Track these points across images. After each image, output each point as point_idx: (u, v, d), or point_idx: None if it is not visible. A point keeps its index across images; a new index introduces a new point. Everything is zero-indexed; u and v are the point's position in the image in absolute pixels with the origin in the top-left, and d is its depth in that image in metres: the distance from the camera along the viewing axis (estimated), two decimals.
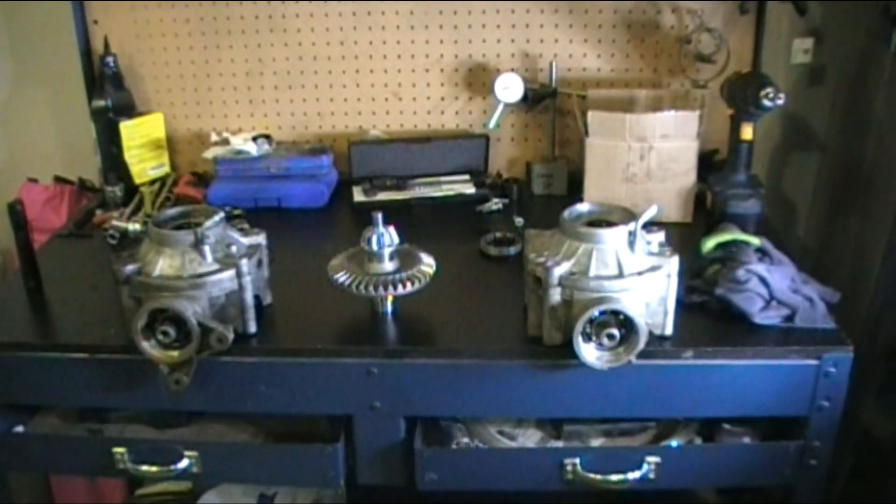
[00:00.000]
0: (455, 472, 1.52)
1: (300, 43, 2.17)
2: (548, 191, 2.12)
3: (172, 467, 1.54)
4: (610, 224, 1.41)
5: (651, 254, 1.41)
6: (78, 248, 1.92)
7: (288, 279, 1.65)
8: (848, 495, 1.93)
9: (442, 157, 2.15)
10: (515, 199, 2.05)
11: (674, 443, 1.53)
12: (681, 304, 1.45)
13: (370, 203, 2.03)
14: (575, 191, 1.99)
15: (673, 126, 1.85)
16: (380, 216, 1.47)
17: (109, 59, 2.12)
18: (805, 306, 1.47)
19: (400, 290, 1.45)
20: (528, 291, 1.45)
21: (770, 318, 1.46)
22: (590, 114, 1.90)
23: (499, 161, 2.23)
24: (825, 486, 1.53)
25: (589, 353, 1.37)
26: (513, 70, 2.10)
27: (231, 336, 1.40)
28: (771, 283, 1.47)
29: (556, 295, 1.37)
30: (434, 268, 1.50)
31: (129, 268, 1.41)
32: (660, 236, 1.44)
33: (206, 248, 1.42)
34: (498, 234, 1.83)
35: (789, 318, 1.46)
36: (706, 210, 1.89)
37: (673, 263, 1.39)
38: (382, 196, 2.07)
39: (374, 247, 1.47)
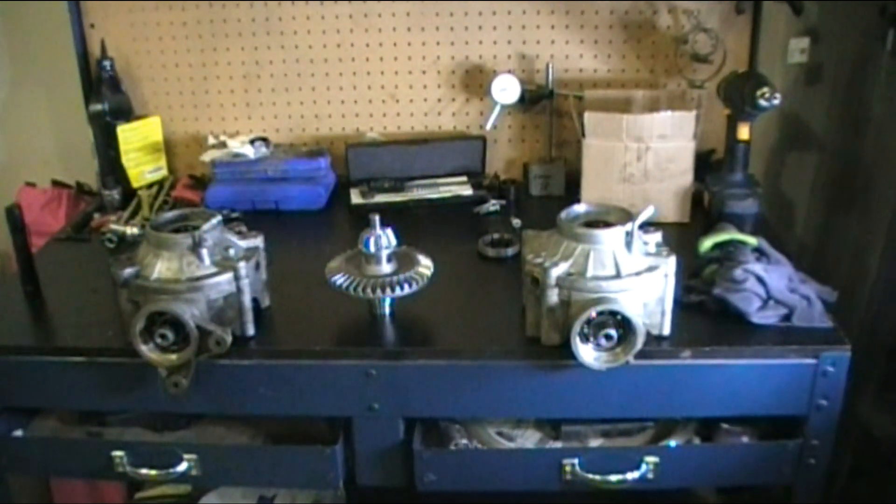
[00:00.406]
0: (454, 472, 1.52)
1: (297, 45, 2.17)
2: (545, 192, 2.12)
3: (171, 470, 1.54)
4: (607, 225, 1.42)
5: (648, 254, 1.41)
6: (76, 251, 1.92)
7: (286, 281, 1.65)
8: (847, 494, 1.93)
9: (439, 158, 2.15)
10: (513, 201, 2.05)
11: (672, 443, 1.54)
12: (678, 304, 1.45)
13: (368, 205, 2.03)
14: (572, 192, 1.99)
15: (670, 126, 1.86)
16: (377, 218, 1.47)
17: (106, 63, 2.12)
18: (803, 305, 1.47)
19: (398, 291, 1.45)
20: (525, 292, 1.45)
21: (768, 317, 1.47)
22: (587, 115, 1.90)
23: (496, 162, 2.23)
24: (824, 486, 1.53)
25: (587, 353, 1.37)
26: (510, 71, 2.10)
27: (229, 339, 1.40)
28: (768, 283, 1.47)
29: (553, 296, 1.37)
30: (432, 269, 1.50)
31: (128, 271, 1.41)
32: (657, 236, 1.44)
33: (204, 251, 1.42)
34: (495, 236, 1.84)
35: (787, 318, 1.47)
36: (703, 210, 1.89)
37: (670, 263, 1.39)
38: (380, 198, 2.07)
39: (372, 249, 1.47)
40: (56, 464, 1.61)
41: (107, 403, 1.57)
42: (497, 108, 2.09)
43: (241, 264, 1.43)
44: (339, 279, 1.47)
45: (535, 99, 2.11)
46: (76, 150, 2.31)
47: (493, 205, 2.02)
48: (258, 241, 1.53)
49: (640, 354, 1.37)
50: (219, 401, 1.51)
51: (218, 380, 1.48)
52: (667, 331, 1.43)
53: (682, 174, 1.88)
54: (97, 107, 2.11)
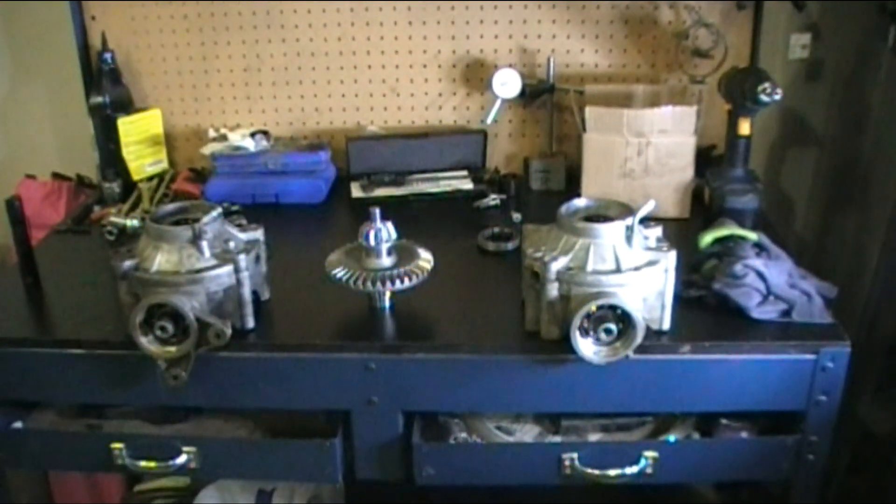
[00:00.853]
0: (453, 467, 1.52)
1: (298, 39, 2.16)
2: (545, 186, 2.12)
3: (171, 463, 1.55)
4: (607, 219, 1.41)
5: (648, 249, 1.41)
6: (76, 244, 1.92)
7: (286, 275, 1.65)
8: (845, 490, 1.93)
9: (440, 152, 2.15)
10: (513, 195, 2.05)
11: (671, 437, 1.54)
12: (678, 299, 1.45)
13: (368, 199, 2.03)
14: (573, 186, 1.99)
15: (671, 121, 1.85)
16: (377, 211, 1.47)
17: (107, 56, 2.12)
18: (802, 301, 1.47)
19: (398, 285, 1.45)
20: (525, 286, 1.45)
21: (767, 312, 1.47)
22: (587, 109, 1.90)
23: (496, 157, 2.23)
24: (822, 481, 1.53)
25: (586, 347, 1.37)
26: (510, 66, 2.10)
27: (229, 331, 1.41)
28: (768, 278, 1.47)
29: (553, 290, 1.37)
30: (432, 263, 1.50)
31: (127, 263, 1.41)
32: (657, 231, 1.44)
33: (204, 244, 1.42)
34: (496, 230, 1.84)
35: (786, 313, 1.47)
36: (704, 205, 1.89)
37: (670, 258, 1.39)
38: (380, 192, 2.07)
39: (372, 242, 1.47)
40: (55, 456, 1.61)
41: (106, 396, 1.56)
42: (498, 103, 2.09)
43: (241, 257, 1.43)
44: (339, 272, 1.47)
45: (536, 93, 2.11)
46: (76, 142, 2.31)
47: (493, 199, 2.02)
48: (258, 234, 1.53)
49: (640, 349, 1.37)
50: (218, 394, 1.51)
51: (217, 373, 1.48)
52: (666, 325, 1.43)
53: (683, 169, 1.88)
54: (98, 99, 2.11)
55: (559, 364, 1.43)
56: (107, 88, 2.11)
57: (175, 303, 1.37)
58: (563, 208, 1.45)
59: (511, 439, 1.58)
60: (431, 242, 1.57)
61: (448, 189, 2.09)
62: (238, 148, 2.07)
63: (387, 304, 1.54)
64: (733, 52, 2.04)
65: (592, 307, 1.34)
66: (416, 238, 1.57)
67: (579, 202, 1.48)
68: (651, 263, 1.38)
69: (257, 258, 1.52)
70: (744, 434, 1.52)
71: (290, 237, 1.87)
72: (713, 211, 1.80)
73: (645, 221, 1.41)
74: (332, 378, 1.48)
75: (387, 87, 2.20)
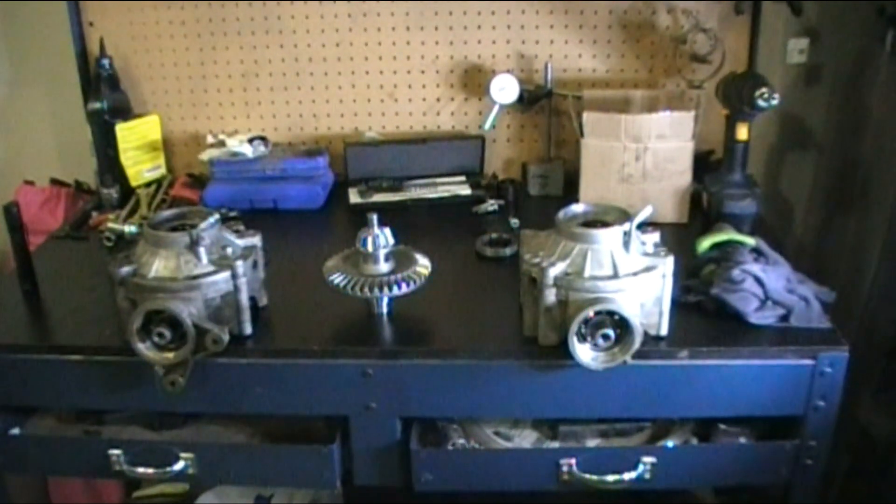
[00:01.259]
0: (451, 472, 1.52)
1: (296, 44, 2.17)
2: (544, 192, 2.12)
3: (169, 469, 1.54)
4: (605, 224, 1.42)
5: (646, 254, 1.41)
6: (74, 250, 1.92)
7: (284, 280, 1.65)
8: (844, 495, 1.93)
9: (438, 158, 2.15)
10: (511, 200, 2.05)
11: (670, 443, 1.53)
12: (676, 305, 1.45)
13: (366, 204, 2.03)
14: (571, 191, 1.99)
15: (668, 126, 1.86)
16: (375, 217, 1.47)
17: (105, 61, 2.12)
18: (801, 306, 1.47)
19: (395, 290, 1.45)
20: (523, 292, 1.45)
21: (765, 317, 1.47)
22: (585, 114, 1.90)
23: (495, 162, 2.23)
24: (821, 486, 1.53)
25: (584, 353, 1.37)
26: (508, 71, 2.10)
27: (227, 337, 1.40)
28: (766, 283, 1.47)
29: (551, 295, 1.37)
30: (430, 269, 1.50)
31: (125, 269, 1.41)
32: (655, 237, 1.44)
33: (202, 250, 1.42)
34: (494, 235, 1.84)
35: (785, 318, 1.47)
36: (702, 210, 1.89)
37: (668, 263, 1.39)
38: (378, 197, 2.07)
39: (370, 248, 1.47)
40: (53, 462, 1.61)
41: (104, 402, 1.56)
42: (496, 108, 2.09)
43: (239, 263, 1.43)
44: (337, 278, 1.47)
45: (534, 99, 2.11)
46: (75, 148, 2.31)
47: (491, 204, 2.02)
48: (256, 240, 1.53)
49: (638, 354, 1.37)
50: (216, 399, 1.51)
51: (215, 378, 1.47)
52: (664, 331, 1.43)
53: (681, 174, 1.88)
54: (96, 105, 2.11)
55: (557, 370, 1.43)
56: (105, 94, 2.11)
57: (173, 309, 1.37)
58: (561, 213, 1.45)
59: (509, 445, 1.58)
60: (429, 248, 1.57)
61: (446, 194, 2.09)
62: (236, 154, 2.07)
63: (385, 309, 1.54)
64: (731, 56, 2.04)
65: (590, 313, 1.34)
66: (414, 244, 1.57)
67: (577, 207, 1.48)
68: (649, 269, 1.38)
69: (255, 264, 1.52)
70: (742, 439, 1.52)
71: (287, 243, 1.87)
72: (711, 216, 1.81)
73: (643, 227, 1.41)
74: (330, 384, 1.48)
75: (385, 92, 2.20)
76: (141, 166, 2.18)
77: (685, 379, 1.44)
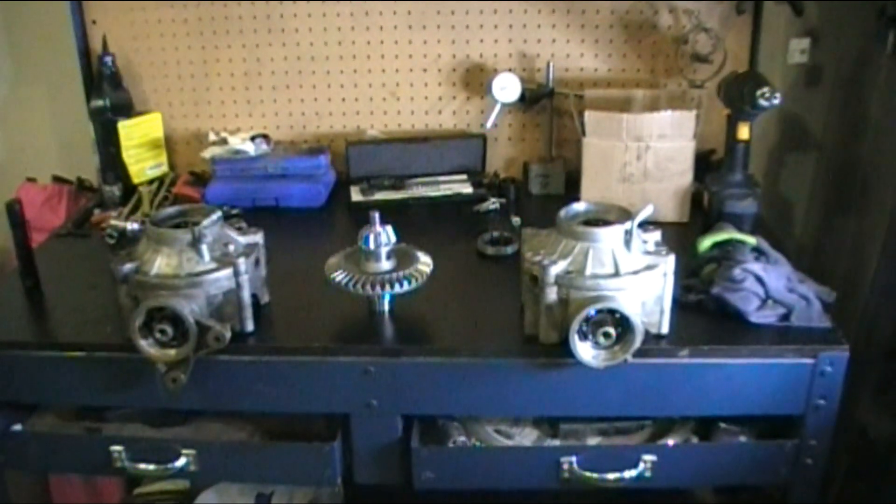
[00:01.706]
0: (452, 470, 1.52)
1: (298, 43, 2.17)
2: (545, 190, 2.12)
3: (170, 465, 1.55)
4: (606, 223, 1.42)
5: (647, 253, 1.41)
6: (76, 247, 1.92)
7: (285, 278, 1.66)
8: (844, 495, 1.93)
9: (439, 156, 2.15)
10: (512, 199, 2.06)
11: (670, 441, 1.54)
12: (677, 303, 1.45)
13: (367, 203, 2.03)
14: (572, 190, 2.00)
15: (670, 126, 1.86)
16: (377, 215, 1.47)
17: (108, 59, 2.12)
18: (801, 305, 1.47)
19: (397, 288, 1.45)
20: (524, 290, 1.45)
21: (766, 317, 1.47)
22: (587, 114, 1.90)
23: (496, 161, 2.24)
24: (821, 486, 1.53)
25: (585, 351, 1.37)
26: (510, 70, 2.10)
27: (228, 335, 1.41)
28: (767, 283, 1.47)
29: (552, 293, 1.37)
30: (431, 267, 1.50)
31: (127, 266, 1.41)
32: (656, 235, 1.44)
33: (204, 247, 1.43)
34: (495, 234, 1.84)
35: (785, 317, 1.47)
36: (703, 210, 1.89)
37: (669, 262, 1.39)
38: (380, 196, 2.07)
39: (371, 246, 1.47)
40: (54, 459, 1.62)
41: (105, 399, 1.57)
42: (497, 107, 2.09)
43: (241, 260, 1.43)
44: (339, 276, 1.47)
45: (536, 98, 2.11)
46: (77, 146, 2.31)
47: (492, 203, 2.02)
48: (258, 238, 1.53)
49: (639, 353, 1.37)
50: (217, 397, 1.51)
51: (216, 376, 1.48)
52: (665, 329, 1.43)
53: (682, 174, 1.88)
54: (98, 103, 2.11)
55: (558, 368, 1.43)
56: (107, 92, 2.12)
57: (174, 306, 1.37)
58: (563, 212, 1.45)
59: (510, 443, 1.58)
60: (431, 246, 1.57)
61: (448, 193, 2.09)
62: (238, 152, 2.08)
63: (386, 307, 1.54)
64: (732, 56, 2.04)
65: (591, 311, 1.35)
66: (415, 242, 1.57)
67: (578, 206, 1.48)
68: (650, 267, 1.38)
69: (257, 262, 1.52)
70: (742, 438, 1.52)
71: (289, 241, 1.88)
72: (712, 215, 1.81)
73: (644, 225, 1.42)
74: (332, 381, 1.48)
75: (387, 91, 2.21)
76: (143, 164, 2.19)
77: (686, 378, 1.45)
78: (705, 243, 1.62)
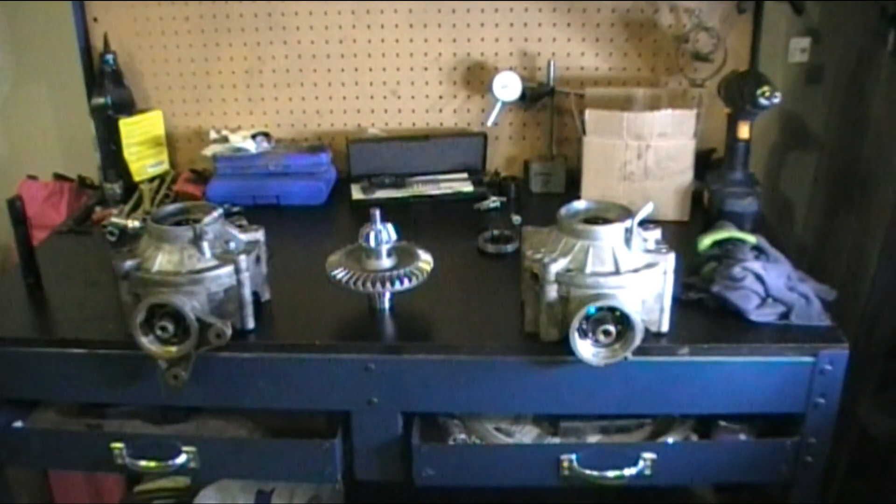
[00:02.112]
0: (452, 467, 1.53)
1: (299, 41, 2.17)
2: (545, 189, 2.12)
3: (171, 462, 1.55)
4: (607, 221, 1.42)
5: (647, 251, 1.41)
6: (77, 244, 1.92)
7: (286, 276, 1.66)
8: (844, 493, 1.93)
9: (440, 155, 2.15)
10: (513, 197, 2.06)
11: (670, 439, 1.54)
12: (677, 302, 1.46)
13: (368, 200, 2.03)
14: (573, 189, 2.00)
15: (670, 124, 1.86)
16: (377, 212, 1.48)
17: (109, 57, 2.12)
18: (801, 304, 1.47)
19: (397, 286, 1.46)
20: (525, 288, 1.46)
21: (766, 315, 1.47)
22: (587, 112, 1.90)
23: (497, 159, 2.24)
24: (821, 484, 1.54)
25: (585, 349, 1.38)
26: (511, 68, 2.10)
27: (229, 332, 1.41)
28: (767, 281, 1.47)
29: (552, 291, 1.38)
30: (432, 264, 1.51)
31: (128, 263, 1.42)
32: (656, 234, 1.44)
33: (205, 244, 1.43)
34: (495, 232, 1.84)
35: (785, 316, 1.47)
36: (703, 208, 1.90)
37: (669, 260, 1.39)
38: (381, 194, 2.07)
39: (372, 243, 1.47)
40: (55, 456, 1.62)
41: (106, 395, 1.57)
42: (498, 105, 2.09)
43: (242, 257, 1.43)
44: (339, 273, 1.47)
45: (536, 96, 2.11)
46: (78, 143, 2.32)
47: (493, 201, 2.02)
48: (259, 235, 1.54)
49: (639, 351, 1.38)
50: (218, 394, 1.51)
51: (217, 373, 1.48)
52: (665, 328, 1.43)
53: (682, 172, 1.89)
54: (99, 100, 2.11)
55: (558, 365, 1.43)
56: (108, 89, 2.12)
57: (176, 303, 1.38)
58: (563, 210, 1.46)
59: (510, 440, 1.58)
60: (431, 244, 1.58)
61: (448, 191, 2.09)
62: (239, 149, 2.08)
63: (387, 305, 1.55)
64: (733, 55, 2.04)
65: (591, 309, 1.35)
66: (416, 240, 1.57)
67: (579, 204, 1.48)
68: (650, 266, 1.39)
69: (258, 259, 1.53)
70: (742, 436, 1.52)
71: (290, 238, 1.88)
72: (712, 214, 1.81)
73: (644, 224, 1.42)
74: (332, 379, 1.49)
75: (387, 89, 2.21)
76: (144, 162, 2.19)
77: (686, 376, 1.45)
78: (705, 242, 1.62)
